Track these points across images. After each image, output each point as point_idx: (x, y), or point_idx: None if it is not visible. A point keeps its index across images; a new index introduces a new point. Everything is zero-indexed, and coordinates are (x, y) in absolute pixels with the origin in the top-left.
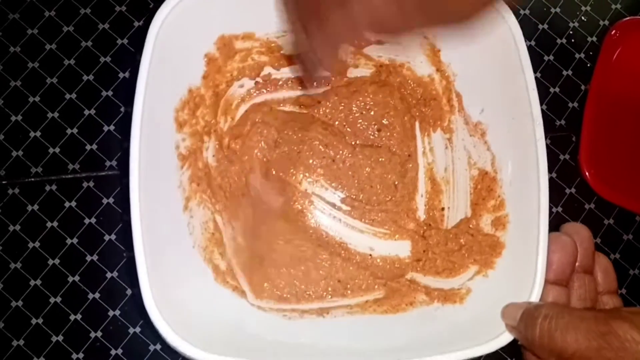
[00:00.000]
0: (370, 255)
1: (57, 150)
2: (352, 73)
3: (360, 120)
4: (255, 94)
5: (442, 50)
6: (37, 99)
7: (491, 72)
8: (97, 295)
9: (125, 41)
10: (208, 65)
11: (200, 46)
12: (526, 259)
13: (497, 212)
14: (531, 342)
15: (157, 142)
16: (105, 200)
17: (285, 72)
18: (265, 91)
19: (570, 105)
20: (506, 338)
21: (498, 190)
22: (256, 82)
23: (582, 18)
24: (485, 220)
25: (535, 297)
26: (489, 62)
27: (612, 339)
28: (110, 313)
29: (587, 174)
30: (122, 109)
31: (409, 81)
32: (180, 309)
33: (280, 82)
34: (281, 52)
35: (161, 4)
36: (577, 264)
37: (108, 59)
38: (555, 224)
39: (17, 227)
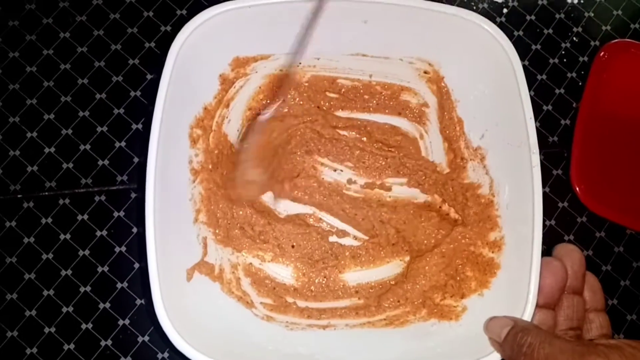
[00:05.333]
0: None
1: (71, 165)
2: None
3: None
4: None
5: (445, 78)
6: (52, 116)
7: (491, 101)
8: (107, 305)
9: (137, 61)
10: (222, 84)
11: (215, 67)
12: (519, 280)
13: (494, 234)
14: None
15: (172, 157)
16: (116, 214)
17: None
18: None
19: (562, 122)
20: (496, 357)
21: (494, 212)
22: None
23: (574, 39)
24: (482, 242)
25: (527, 317)
26: (489, 91)
27: None
28: (120, 322)
29: (577, 189)
30: (133, 126)
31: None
32: (188, 317)
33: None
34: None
35: (172, 28)
36: (567, 285)
37: (120, 78)
38: (548, 237)
39: (32, 239)
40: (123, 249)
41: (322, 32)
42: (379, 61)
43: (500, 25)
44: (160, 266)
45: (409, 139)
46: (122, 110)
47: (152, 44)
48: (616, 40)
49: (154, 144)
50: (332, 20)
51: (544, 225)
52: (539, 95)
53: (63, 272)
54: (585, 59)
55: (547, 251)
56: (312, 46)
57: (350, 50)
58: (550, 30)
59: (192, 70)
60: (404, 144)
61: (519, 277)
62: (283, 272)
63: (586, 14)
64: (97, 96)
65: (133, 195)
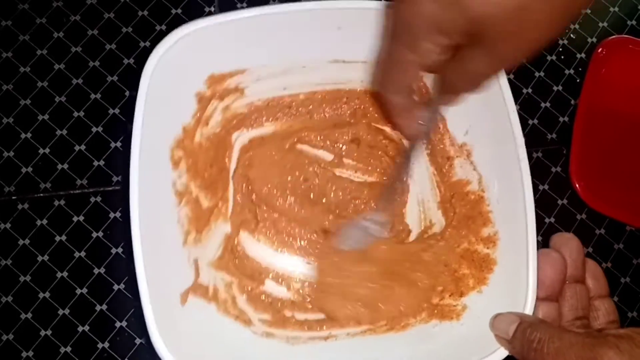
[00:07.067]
0: None
1: (66, 166)
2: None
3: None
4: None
5: (423, 76)
6: (46, 117)
7: (473, 96)
8: (104, 307)
9: (132, 61)
10: (199, 103)
11: (190, 85)
12: (517, 274)
13: (487, 230)
14: None
15: (155, 181)
16: (112, 215)
17: None
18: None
19: (560, 119)
20: (503, 353)
21: (486, 208)
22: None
23: (571, 36)
24: (476, 238)
25: (528, 310)
26: None
27: None
28: (117, 324)
29: (577, 185)
30: (129, 126)
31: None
32: (186, 343)
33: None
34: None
35: (167, 27)
36: (567, 274)
37: (115, 77)
38: (548, 235)
39: (27, 241)
40: (119, 250)
41: (302, 40)
42: (357, 66)
43: None
44: (152, 294)
45: (394, 142)
46: (117, 110)
47: (147, 44)
48: (614, 37)
49: (135, 171)
50: (306, 28)
51: (543, 223)
52: (537, 92)
53: (59, 274)
54: (583, 55)
55: (544, 244)
56: (299, 54)
57: (329, 57)
58: None
59: (168, 90)
60: (390, 147)
61: (516, 271)
62: (279, 287)
63: (582, 11)
64: (92, 96)
65: (128, 196)
